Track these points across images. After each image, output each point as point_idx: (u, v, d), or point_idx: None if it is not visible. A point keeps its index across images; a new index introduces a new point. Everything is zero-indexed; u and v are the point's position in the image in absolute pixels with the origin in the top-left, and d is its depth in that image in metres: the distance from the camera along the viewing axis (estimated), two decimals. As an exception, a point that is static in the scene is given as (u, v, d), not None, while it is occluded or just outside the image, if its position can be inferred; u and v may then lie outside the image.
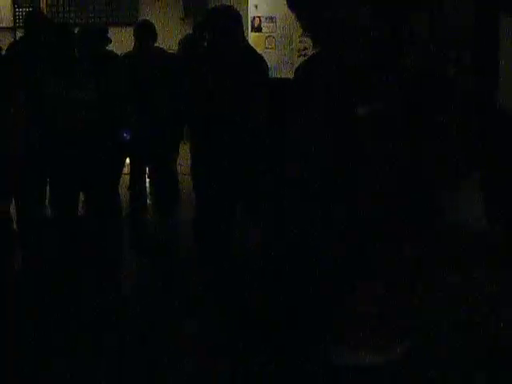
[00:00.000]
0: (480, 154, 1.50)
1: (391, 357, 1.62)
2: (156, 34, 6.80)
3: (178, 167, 7.25)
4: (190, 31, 7.88)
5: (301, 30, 1.64)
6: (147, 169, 6.98)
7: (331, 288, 1.60)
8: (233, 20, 4.92)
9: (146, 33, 6.54)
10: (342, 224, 1.59)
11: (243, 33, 5.12)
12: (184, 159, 7.55)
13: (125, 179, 6.79)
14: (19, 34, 9.50)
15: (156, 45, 6.81)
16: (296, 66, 1.90)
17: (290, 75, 9.37)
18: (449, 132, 1.46)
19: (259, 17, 10.35)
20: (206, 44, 5.52)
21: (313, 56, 1.82)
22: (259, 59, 5.16)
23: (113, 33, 8.26)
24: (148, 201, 7.07)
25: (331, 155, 1.60)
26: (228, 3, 10.65)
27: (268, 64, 5.33)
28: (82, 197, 6.23)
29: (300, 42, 10.11)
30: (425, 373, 1.68)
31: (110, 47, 7.13)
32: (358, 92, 1.55)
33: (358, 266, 1.57)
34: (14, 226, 5.57)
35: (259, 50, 10.21)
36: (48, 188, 6.25)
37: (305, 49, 9.99)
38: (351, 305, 1.59)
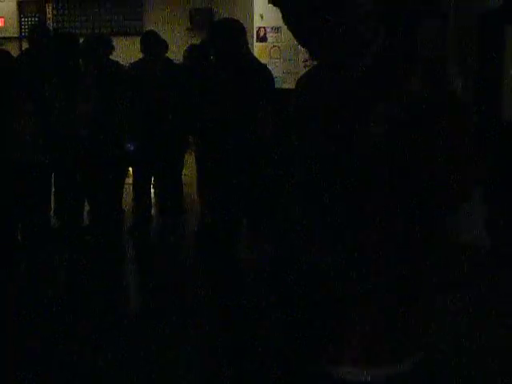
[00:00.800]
0: (484, 166, 1.48)
1: (396, 371, 1.60)
2: (164, 45, 6.80)
3: (183, 177, 7.25)
4: (196, 42, 7.89)
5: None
6: (152, 179, 6.98)
7: (334, 302, 1.58)
8: (236, 32, 4.92)
9: (151, 43, 6.54)
10: (346, 236, 1.57)
11: (247, 44, 5.12)
12: (189, 169, 7.56)
13: (130, 189, 6.79)
14: (25, 44, 9.51)
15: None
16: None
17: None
18: (455, 145, 1.44)
19: (264, 27, 10.37)
20: (211, 57, 5.52)
21: (314, 66, 1.80)
22: (264, 71, 5.15)
23: (118, 43, 8.30)
24: (153, 211, 7.06)
25: (332, 171, 1.58)
26: (233, 13, 10.68)
27: (273, 75, 5.33)
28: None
29: (306, 52, 10.10)
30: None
31: (117, 57, 7.16)
32: (359, 105, 1.53)
33: (359, 281, 1.55)
34: (18, 236, 5.57)
35: (264, 61, 10.25)
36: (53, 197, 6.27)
37: (310, 59, 9.99)
38: (353, 319, 1.57)
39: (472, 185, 1.46)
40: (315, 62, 1.71)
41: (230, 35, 4.88)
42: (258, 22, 10.32)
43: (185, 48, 7.35)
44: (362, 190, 1.49)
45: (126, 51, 9.61)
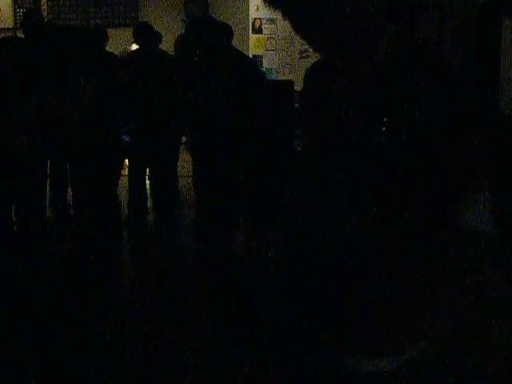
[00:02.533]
0: (489, 157, 1.48)
1: (403, 360, 1.60)
2: (157, 36, 6.78)
3: (178, 169, 7.24)
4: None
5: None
6: (147, 170, 6.97)
7: (342, 293, 1.58)
8: (206, 27, 5.01)
9: (145, 35, 6.52)
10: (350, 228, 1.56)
11: (220, 35, 5.16)
12: (184, 161, 7.55)
13: (124, 180, 6.78)
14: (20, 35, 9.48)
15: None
16: (297, 67, 1.89)
17: (291, 77, 9.35)
18: (464, 138, 1.44)
19: (260, 19, 10.35)
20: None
21: (321, 59, 1.78)
22: (242, 58, 5.20)
23: (113, 34, 8.28)
24: (148, 202, 7.05)
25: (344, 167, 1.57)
26: (229, 5, 10.66)
27: (256, 62, 5.40)
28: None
29: (301, 43, 10.12)
30: (436, 375, 1.67)
31: (112, 49, 7.13)
32: (369, 98, 1.52)
33: (366, 270, 1.55)
34: (14, 228, 5.56)
35: (259, 52, 10.26)
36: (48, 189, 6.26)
37: (306, 50, 10.00)
38: (360, 309, 1.57)
39: (483, 174, 1.46)
40: (311, 54, 1.70)
41: (201, 31, 4.97)
42: (253, 14, 10.30)
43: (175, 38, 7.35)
44: (374, 181, 1.49)
45: (122, 42, 9.59)
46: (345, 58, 1.54)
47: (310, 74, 1.79)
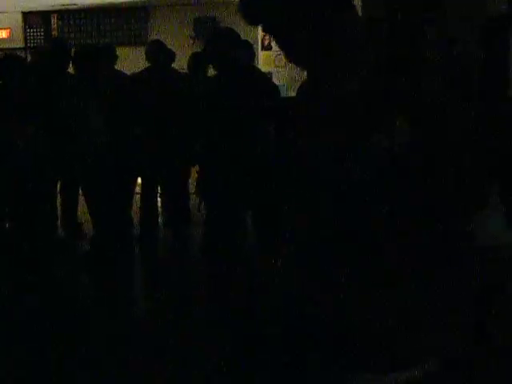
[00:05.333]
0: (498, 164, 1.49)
1: (408, 377, 1.59)
2: (171, 54, 6.80)
3: (190, 186, 7.24)
4: (200, 50, 7.88)
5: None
6: (159, 188, 6.97)
7: (345, 310, 1.57)
8: (231, 42, 4.94)
9: (157, 53, 6.55)
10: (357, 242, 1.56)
11: (244, 53, 5.12)
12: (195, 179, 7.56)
13: (136, 199, 6.79)
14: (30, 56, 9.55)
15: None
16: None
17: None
18: (468, 150, 1.44)
19: (269, 36, 10.38)
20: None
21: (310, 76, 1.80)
22: (264, 80, 5.18)
23: (123, 52, 8.32)
24: (159, 220, 7.05)
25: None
26: (237, 22, 10.68)
27: (275, 83, 5.36)
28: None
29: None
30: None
31: (121, 67, 7.17)
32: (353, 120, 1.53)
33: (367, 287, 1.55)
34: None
35: (269, 69, 10.28)
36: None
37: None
38: (369, 325, 1.56)
39: (485, 193, 1.46)
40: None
41: (226, 45, 4.90)
42: (262, 31, 10.33)
43: (189, 57, 7.36)
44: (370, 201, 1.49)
45: (131, 61, 9.62)
46: (326, 78, 1.57)
47: (302, 92, 1.82)
